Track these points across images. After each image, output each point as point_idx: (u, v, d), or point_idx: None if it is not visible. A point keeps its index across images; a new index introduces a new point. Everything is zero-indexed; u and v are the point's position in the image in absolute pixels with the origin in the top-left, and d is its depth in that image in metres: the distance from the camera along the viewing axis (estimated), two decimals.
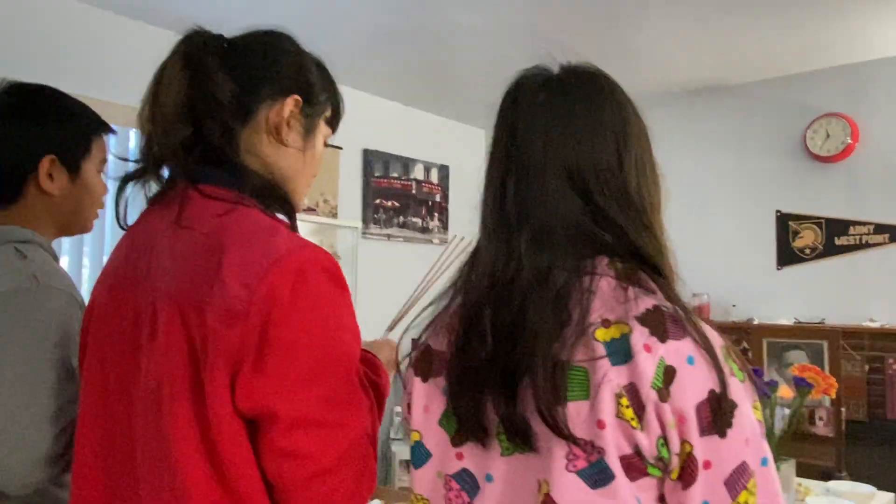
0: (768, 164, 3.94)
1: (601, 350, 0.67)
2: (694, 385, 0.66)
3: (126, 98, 3.08)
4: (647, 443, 0.65)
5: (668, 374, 0.65)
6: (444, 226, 4.75)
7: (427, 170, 4.65)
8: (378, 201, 4.34)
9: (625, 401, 0.65)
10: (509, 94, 0.84)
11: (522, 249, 0.73)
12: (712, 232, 4.10)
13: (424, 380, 0.82)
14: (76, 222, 1.19)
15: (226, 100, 0.90)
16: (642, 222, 0.77)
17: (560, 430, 0.66)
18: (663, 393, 0.65)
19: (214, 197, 0.87)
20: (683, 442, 0.66)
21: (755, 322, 3.70)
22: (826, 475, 2.16)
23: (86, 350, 0.94)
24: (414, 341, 0.88)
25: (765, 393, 1.28)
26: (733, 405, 0.66)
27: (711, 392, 0.66)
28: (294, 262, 0.79)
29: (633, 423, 0.65)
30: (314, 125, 1.00)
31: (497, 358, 0.72)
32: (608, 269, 0.73)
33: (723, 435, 0.66)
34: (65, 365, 1.02)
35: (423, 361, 0.83)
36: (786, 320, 3.68)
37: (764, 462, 0.68)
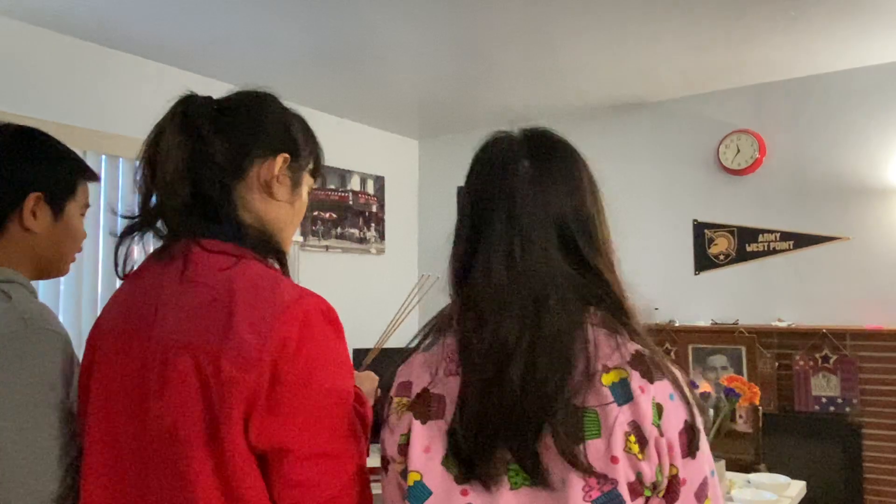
0: (685, 176, 4.22)
1: (608, 394, 0.78)
2: (676, 418, 0.80)
3: (128, 130, 3.10)
4: (649, 470, 0.78)
5: (659, 410, 0.79)
6: (381, 236, 4.83)
7: (363, 181, 4.72)
8: (316, 213, 4.38)
9: (632, 437, 0.77)
10: (488, 162, 0.91)
11: (530, 305, 0.82)
12: (636, 240, 4.35)
13: (424, 422, 0.87)
14: (54, 264, 1.21)
15: (221, 161, 0.98)
16: (611, 267, 0.89)
17: (582, 466, 0.76)
18: (660, 428, 0.78)
19: (217, 251, 0.94)
20: (671, 466, 0.79)
21: (676, 324, 3.96)
22: (747, 468, 2.38)
23: (89, 395, 0.99)
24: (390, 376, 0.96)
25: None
26: (699, 430, 0.81)
27: (685, 422, 0.80)
28: (299, 310, 0.88)
29: (639, 456, 0.77)
30: (300, 178, 1.08)
31: (513, 406, 0.79)
32: (595, 318, 0.83)
33: (694, 456, 0.80)
34: (63, 405, 1.06)
35: (421, 404, 0.89)
36: (703, 322, 3.95)
37: (713, 473, 0.84)
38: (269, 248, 1.01)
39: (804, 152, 3.84)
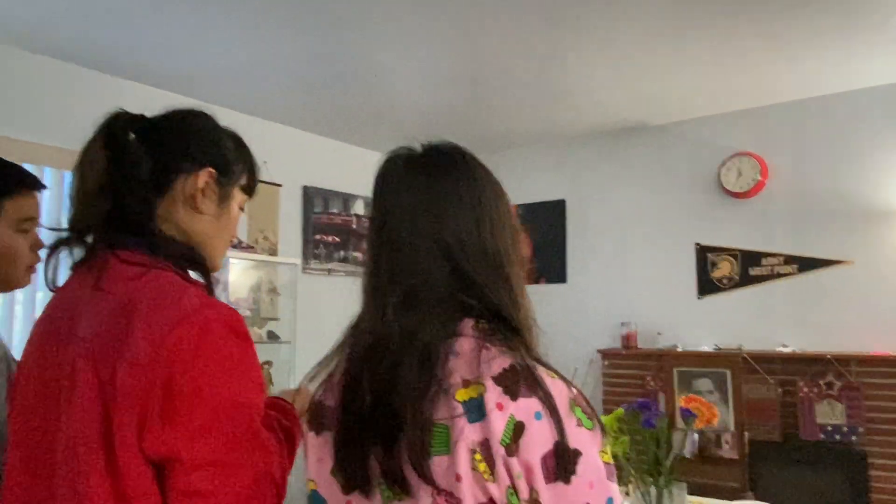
0: (687, 199, 4.18)
1: (459, 409, 0.75)
2: (541, 438, 0.75)
3: (63, 141, 3.14)
4: (499, 493, 0.74)
5: (518, 429, 0.74)
6: None
7: (368, 205, 4.76)
8: (318, 237, 4.42)
9: (478, 456, 0.74)
10: (379, 176, 0.92)
11: (391, 312, 0.81)
12: (639, 264, 4.31)
13: (317, 434, 0.89)
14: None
15: (144, 176, 1.01)
16: (501, 279, 0.86)
17: (428, 481, 0.75)
18: (511, 448, 0.74)
19: (130, 262, 0.96)
20: (532, 489, 0.75)
21: (679, 349, 3.90)
22: (732, 495, 2.32)
23: (13, 405, 1.02)
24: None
25: (650, 424, 1.42)
26: (577, 453, 0.76)
27: (555, 443, 0.75)
28: (198, 319, 0.89)
29: (486, 476, 0.74)
30: (229, 193, 1.10)
31: (376, 415, 0.79)
32: (472, 330, 0.81)
33: (567, 481, 0.75)
34: None
35: (316, 416, 0.91)
36: (707, 347, 3.88)
37: (609, 502, 0.78)
38: (190, 260, 1.03)
39: (806, 174, 3.79)
